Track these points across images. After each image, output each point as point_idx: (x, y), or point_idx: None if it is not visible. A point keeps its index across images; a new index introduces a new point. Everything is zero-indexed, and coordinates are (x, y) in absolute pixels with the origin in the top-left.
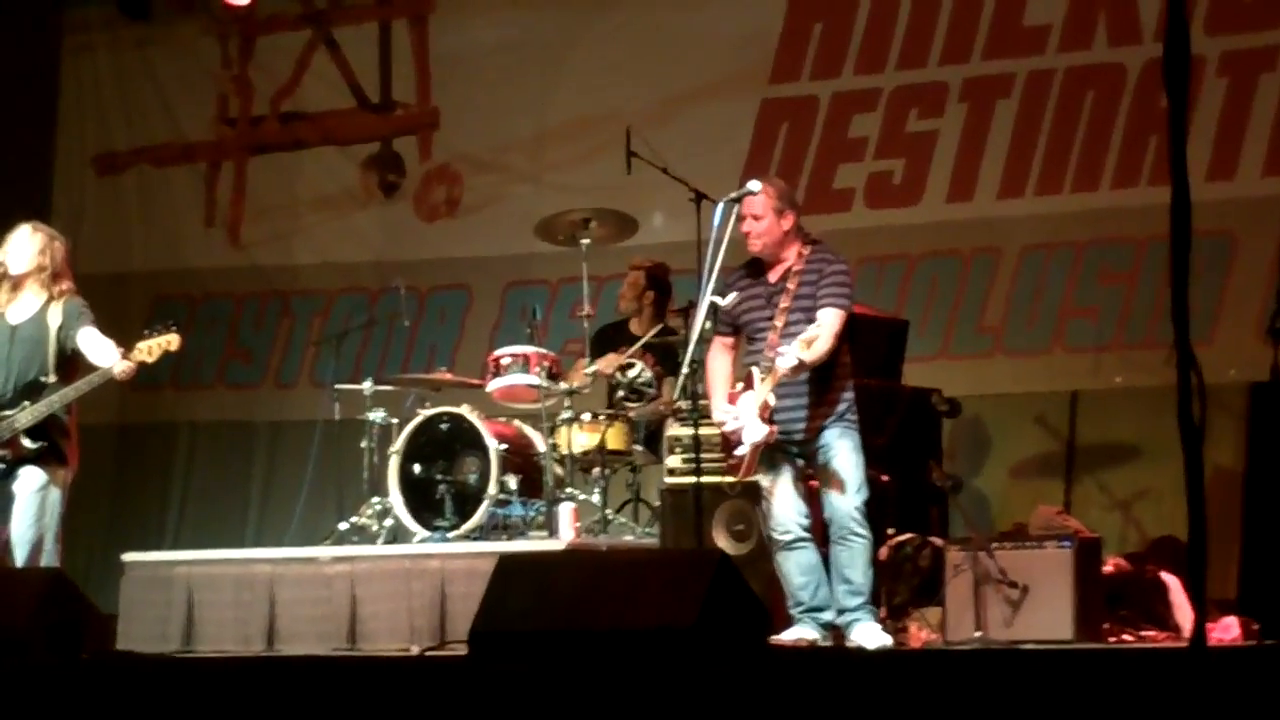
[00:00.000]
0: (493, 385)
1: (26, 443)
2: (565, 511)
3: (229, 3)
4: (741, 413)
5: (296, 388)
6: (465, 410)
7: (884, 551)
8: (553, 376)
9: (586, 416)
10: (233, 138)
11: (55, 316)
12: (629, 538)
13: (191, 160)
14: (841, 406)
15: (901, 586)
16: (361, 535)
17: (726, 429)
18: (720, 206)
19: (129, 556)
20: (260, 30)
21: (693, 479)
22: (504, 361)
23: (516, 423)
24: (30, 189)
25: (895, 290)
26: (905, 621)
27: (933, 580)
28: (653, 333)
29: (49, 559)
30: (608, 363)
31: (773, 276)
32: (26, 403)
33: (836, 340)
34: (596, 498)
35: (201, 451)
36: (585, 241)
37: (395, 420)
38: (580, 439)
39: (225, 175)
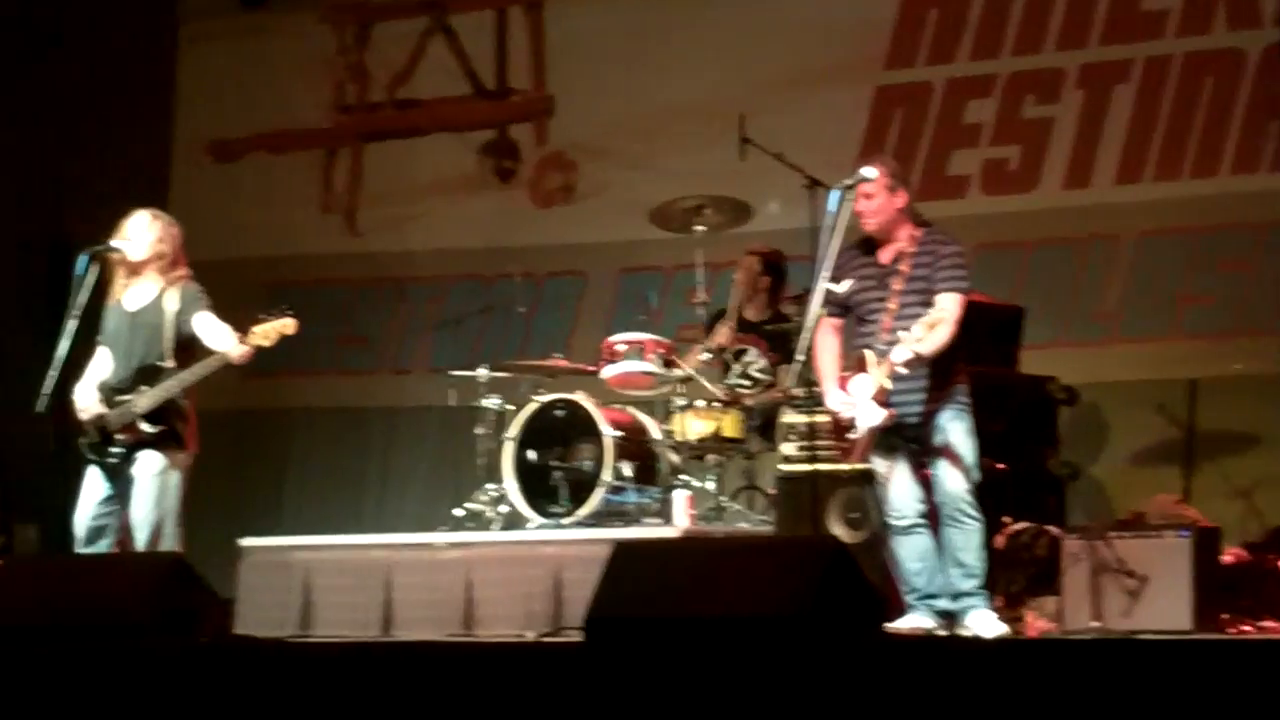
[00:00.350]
0: (608, 372)
1: (145, 427)
2: (680, 498)
3: None
4: (856, 397)
5: (412, 374)
6: (580, 397)
7: (1000, 540)
8: (668, 363)
9: (701, 403)
10: (349, 124)
11: (172, 302)
12: (743, 525)
13: (308, 147)
14: (955, 389)
15: (1018, 575)
16: (477, 521)
17: (841, 415)
18: (835, 193)
19: (247, 541)
20: (376, 17)
21: (808, 466)
22: (619, 348)
23: (631, 409)
24: (148, 176)
25: (1011, 277)
26: (1021, 610)
27: (1049, 569)
28: (766, 321)
29: (169, 542)
30: (722, 334)
31: (884, 257)
32: (144, 387)
33: (957, 326)
34: (711, 485)
35: (318, 437)
36: (700, 228)
37: (511, 407)
38: (695, 426)
39: (341, 162)
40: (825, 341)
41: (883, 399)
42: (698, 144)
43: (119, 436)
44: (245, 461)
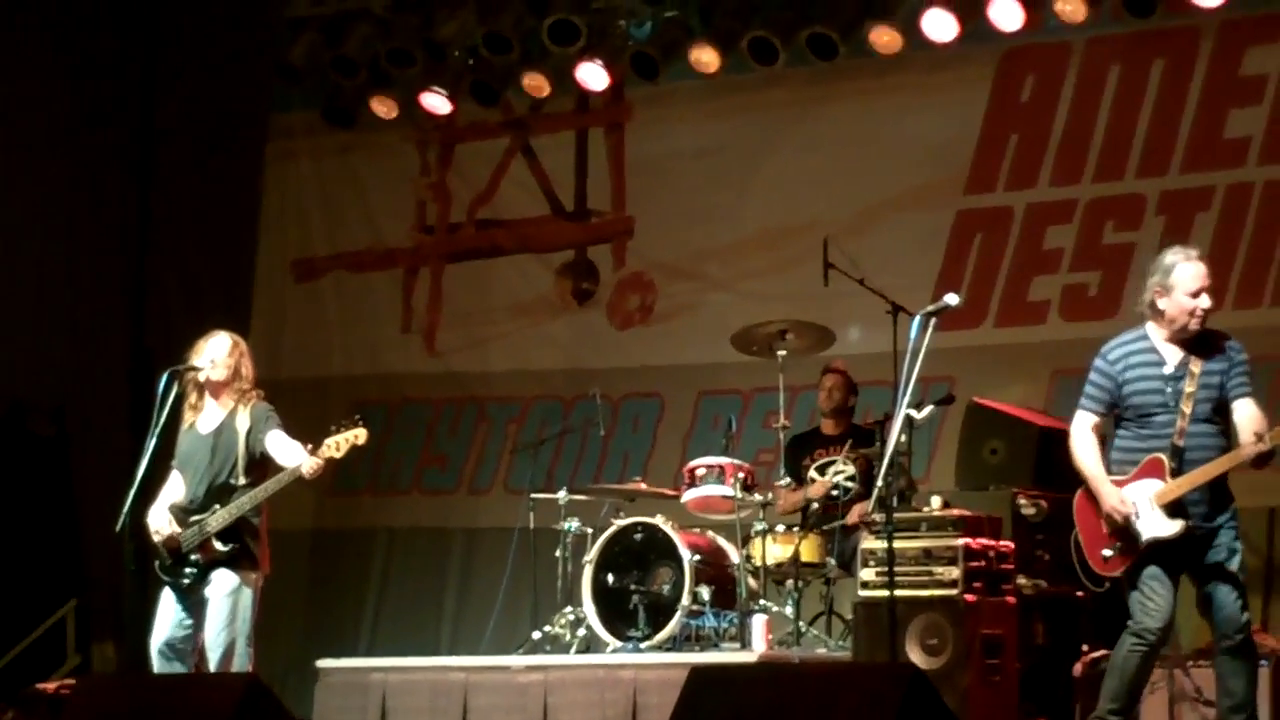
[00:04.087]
0: (688, 496)
1: (218, 545)
2: (758, 623)
3: (431, 111)
4: (1140, 502)
5: (491, 494)
6: (659, 520)
7: (1079, 667)
8: (748, 487)
9: (781, 528)
10: (430, 244)
11: (244, 421)
12: (822, 650)
13: (389, 266)
14: (1235, 504)
15: (1097, 703)
16: (555, 644)
17: (1118, 515)
18: (917, 319)
19: (324, 663)
20: (460, 138)
21: (887, 592)
22: (699, 472)
23: (710, 533)
24: (232, 293)
25: None
26: None
27: None
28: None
29: (241, 662)
30: (819, 489)
31: (1171, 358)
32: (217, 506)
33: None
34: (790, 610)
35: (397, 557)
36: (782, 353)
37: (590, 529)
38: (774, 550)
39: (422, 281)
40: (1091, 441)
41: (1174, 509)
42: (778, 267)
43: (193, 556)
44: (323, 581)
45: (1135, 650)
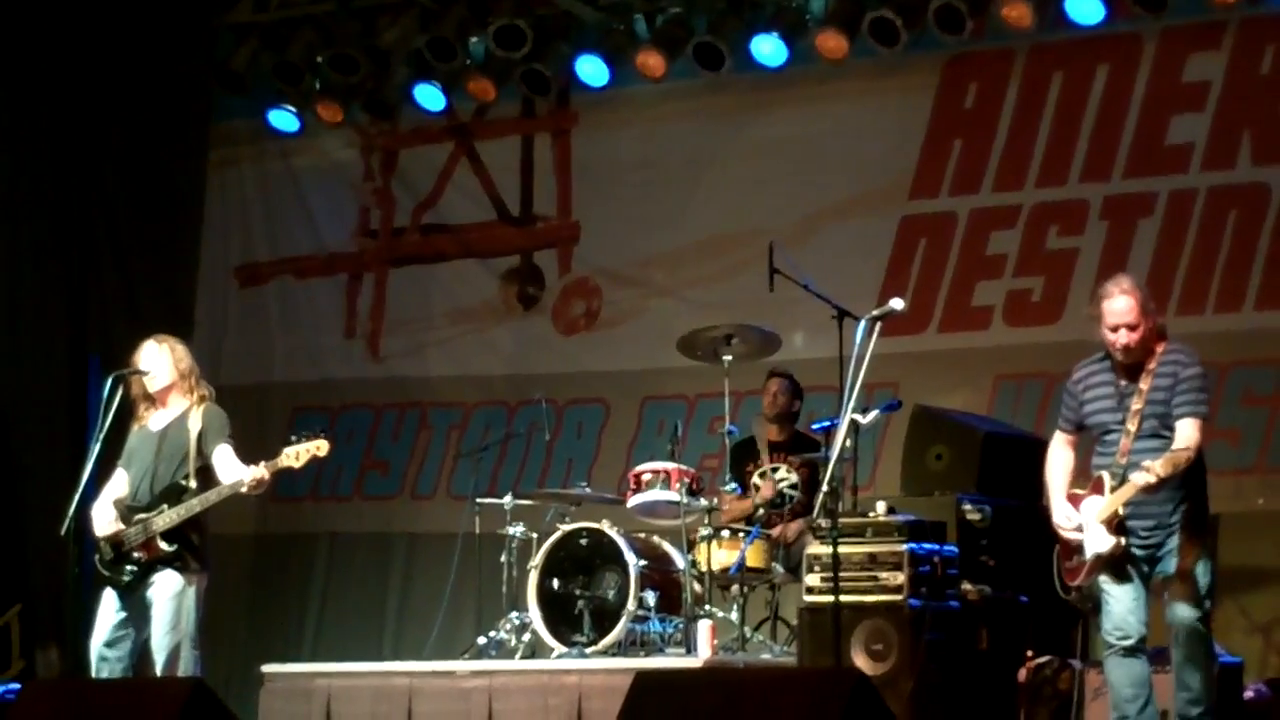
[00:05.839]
0: (633, 501)
1: (162, 544)
2: (703, 629)
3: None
4: (1086, 519)
5: (434, 499)
6: (605, 526)
7: (1022, 673)
8: (693, 493)
9: (726, 534)
10: (374, 249)
11: (195, 423)
12: (767, 656)
13: (333, 272)
14: (1192, 512)
15: (1041, 709)
16: (499, 649)
17: (1067, 536)
18: (863, 324)
19: (268, 668)
20: (403, 143)
21: (831, 597)
22: (645, 478)
23: (656, 539)
24: (174, 299)
25: (1034, 409)
26: None
27: (1072, 703)
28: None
29: (187, 665)
30: (769, 487)
31: (1124, 376)
32: (165, 506)
33: (1196, 452)
34: (735, 615)
35: (340, 562)
36: (727, 358)
37: (535, 535)
38: (719, 556)
39: (366, 287)
40: (1059, 455)
41: (1114, 525)
42: (724, 273)
43: (135, 554)
44: (266, 586)
45: (1108, 656)
